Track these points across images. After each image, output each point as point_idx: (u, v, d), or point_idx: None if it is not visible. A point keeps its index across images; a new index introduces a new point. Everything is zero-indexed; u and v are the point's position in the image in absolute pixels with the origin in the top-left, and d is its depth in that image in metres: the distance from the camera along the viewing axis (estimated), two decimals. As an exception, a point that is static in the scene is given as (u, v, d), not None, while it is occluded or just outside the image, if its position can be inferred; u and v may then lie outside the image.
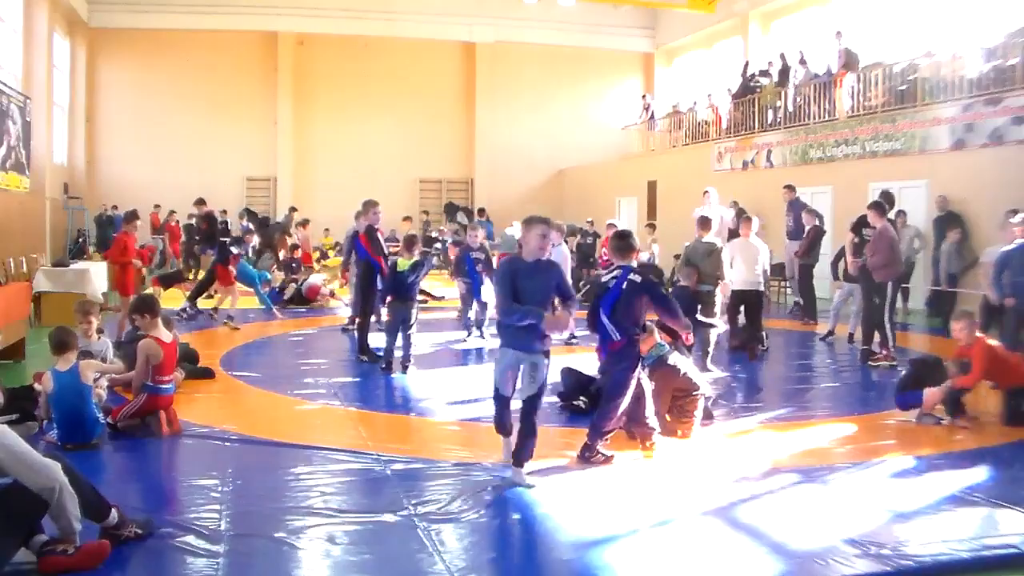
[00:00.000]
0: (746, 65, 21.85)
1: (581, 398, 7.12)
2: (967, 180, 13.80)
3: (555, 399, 7.33)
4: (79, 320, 7.31)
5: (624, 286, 5.58)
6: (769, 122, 19.67)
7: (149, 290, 14.05)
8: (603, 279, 5.88)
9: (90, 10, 25.17)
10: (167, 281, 15.42)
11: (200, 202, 18.81)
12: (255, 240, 17.03)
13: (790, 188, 15.25)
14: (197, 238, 19.00)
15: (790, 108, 19.02)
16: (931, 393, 6.81)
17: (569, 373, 7.51)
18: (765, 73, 20.62)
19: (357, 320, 10.36)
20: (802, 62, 19.10)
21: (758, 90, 20.42)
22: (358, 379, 8.78)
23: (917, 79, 15.92)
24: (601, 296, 5.69)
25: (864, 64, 17.50)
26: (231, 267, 12.75)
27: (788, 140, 18.51)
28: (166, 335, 6.52)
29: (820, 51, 18.92)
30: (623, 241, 5.93)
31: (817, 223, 13.53)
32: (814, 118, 18.12)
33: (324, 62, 27.34)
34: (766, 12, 23.70)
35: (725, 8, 24.06)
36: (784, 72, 19.92)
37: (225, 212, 23.58)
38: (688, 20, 25.91)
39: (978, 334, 7.01)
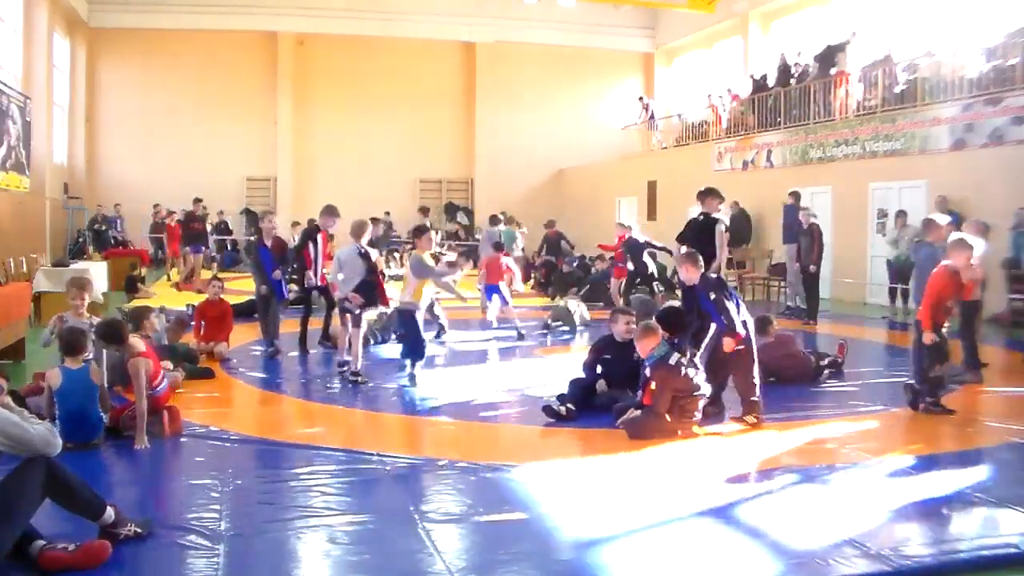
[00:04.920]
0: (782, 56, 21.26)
1: (569, 405, 6.91)
2: (967, 180, 13.79)
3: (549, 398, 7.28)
4: (73, 296, 7.11)
5: None
6: (769, 121, 19.61)
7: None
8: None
9: (90, 10, 25.14)
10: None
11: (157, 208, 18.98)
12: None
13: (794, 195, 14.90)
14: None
15: (792, 108, 18.94)
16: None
17: (575, 383, 7.32)
18: (786, 70, 20.45)
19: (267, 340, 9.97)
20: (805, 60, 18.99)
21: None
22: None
23: (917, 79, 15.92)
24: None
25: (864, 64, 17.49)
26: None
27: (788, 140, 18.50)
28: (140, 344, 6.40)
29: (819, 51, 18.87)
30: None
31: (813, 221, 13.24)
32: (814, 118, 18.12)
33: (324, 62, 27.30)
34: (766, 12, 23.68)
35: (725, 8, 24.05)
36: (784, 72, 19.86)
37: (222, 213, 23.76)
38: (688, 20, 25.90)
39: None
